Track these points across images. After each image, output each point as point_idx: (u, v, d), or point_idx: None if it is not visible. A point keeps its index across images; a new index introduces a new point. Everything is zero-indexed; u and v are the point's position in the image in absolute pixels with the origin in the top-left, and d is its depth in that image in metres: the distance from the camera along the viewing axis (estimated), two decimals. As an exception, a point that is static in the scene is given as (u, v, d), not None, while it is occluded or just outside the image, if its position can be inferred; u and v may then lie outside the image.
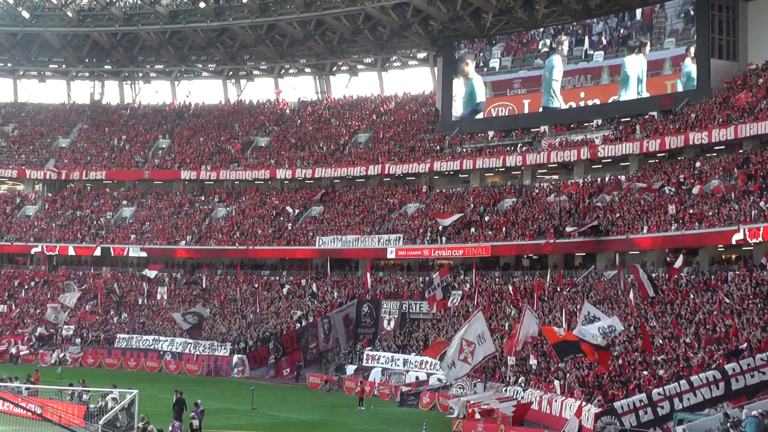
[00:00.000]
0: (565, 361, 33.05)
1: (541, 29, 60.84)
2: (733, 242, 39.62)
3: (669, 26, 54.61)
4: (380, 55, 73.46)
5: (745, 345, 29.44)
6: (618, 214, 46.97)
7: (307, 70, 78.83)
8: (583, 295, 42.96)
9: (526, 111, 60.86)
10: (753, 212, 39.51)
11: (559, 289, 45.12)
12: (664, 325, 35.26)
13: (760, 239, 38.23)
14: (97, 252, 67.03)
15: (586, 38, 58.47)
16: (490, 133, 61.92)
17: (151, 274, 62.83)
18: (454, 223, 54.77)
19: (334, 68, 77.78)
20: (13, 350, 57.65)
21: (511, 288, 47.94)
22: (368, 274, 55.24)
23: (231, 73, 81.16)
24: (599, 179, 53.05)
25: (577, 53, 58.80)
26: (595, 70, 57.89)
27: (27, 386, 33.98)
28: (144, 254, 65.67)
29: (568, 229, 47.95)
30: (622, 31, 57.05)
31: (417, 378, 44.02)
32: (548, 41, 60.44)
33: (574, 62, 58.83)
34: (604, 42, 57.63)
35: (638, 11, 56.14)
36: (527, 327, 36.11)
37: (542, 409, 33.50)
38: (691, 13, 53.13)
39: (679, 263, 40.58)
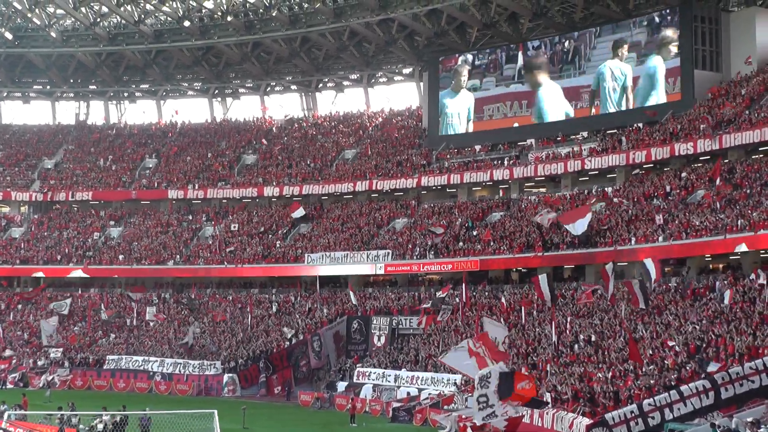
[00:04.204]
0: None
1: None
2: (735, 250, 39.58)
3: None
4: (366, 71, 73.57)
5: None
6: (606, 226, 47.06)
7: (293, 87, 78.90)
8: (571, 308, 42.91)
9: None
10: (740, 221, 39.66)
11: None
12: (654, 335, 35.29)
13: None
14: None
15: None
16: (477, 147, 62.04)
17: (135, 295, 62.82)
18: (443, 238, 54.84)
19: (320, 85, 77.85)
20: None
21: (510, 297, 47.89)
22: (351, 292, 55.17)
23: (217, 91, 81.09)
24: (586, 191, 53.17)
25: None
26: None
27: (14, 411, 33.57)
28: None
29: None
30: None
31: (408, 393, 43.87)
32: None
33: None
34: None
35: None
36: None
37: (534, 423, 33.43)
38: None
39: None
